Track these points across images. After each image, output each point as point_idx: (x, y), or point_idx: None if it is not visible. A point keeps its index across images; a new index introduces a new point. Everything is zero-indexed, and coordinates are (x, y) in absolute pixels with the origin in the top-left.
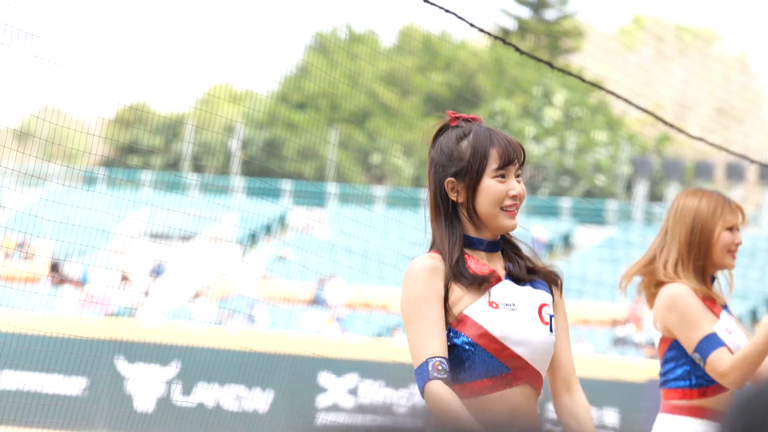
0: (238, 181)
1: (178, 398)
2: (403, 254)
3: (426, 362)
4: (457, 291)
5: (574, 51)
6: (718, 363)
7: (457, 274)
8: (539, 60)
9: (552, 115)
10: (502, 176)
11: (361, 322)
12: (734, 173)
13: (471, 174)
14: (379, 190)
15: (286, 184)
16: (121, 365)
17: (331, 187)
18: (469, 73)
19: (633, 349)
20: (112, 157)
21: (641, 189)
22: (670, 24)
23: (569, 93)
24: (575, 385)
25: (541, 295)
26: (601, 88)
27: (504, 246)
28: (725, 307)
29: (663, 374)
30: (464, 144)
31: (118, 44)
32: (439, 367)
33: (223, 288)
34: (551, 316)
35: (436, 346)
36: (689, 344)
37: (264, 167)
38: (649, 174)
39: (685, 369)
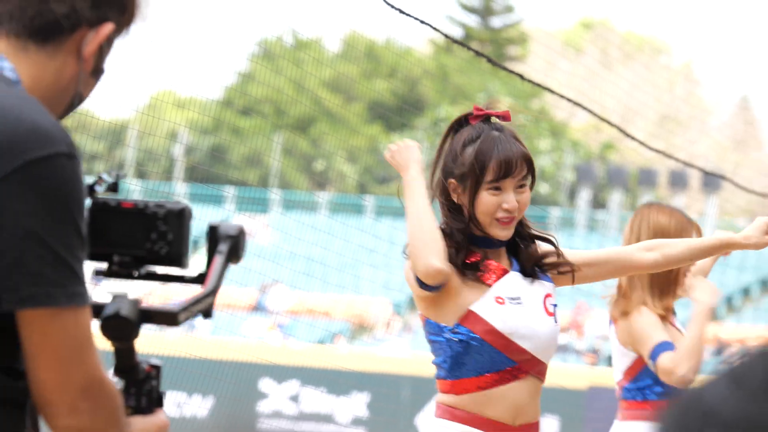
0: (181, 187)
1: None
2: (346, 261)
3: None
4: (455, 279)
5: (519, 58)
6: (664, 363)
7: (454, 265)
8: (511, 72)
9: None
10: (497, 188)
11: (304, 329)
12: (678, 181)
13: (468, 182)
14: (323, 196)
15: (230, 190)
16: None
17: (275, 193)
18: (413, 80)
19: (574, 356)
20: None
21: (585, 196)
22: (615, 31)
23: (513, 100)
24: (650, 244)
25: (545, 286)
26: (549, 89)
27: (515, 239)
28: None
29: (630, 389)
30: (469, 150)
31: None
32: None
33: (164, 294)
34: (555, 306)
35: None
36: (646, 354)
37: (208, 173)
38: (593, 181)
39: (650, 381)
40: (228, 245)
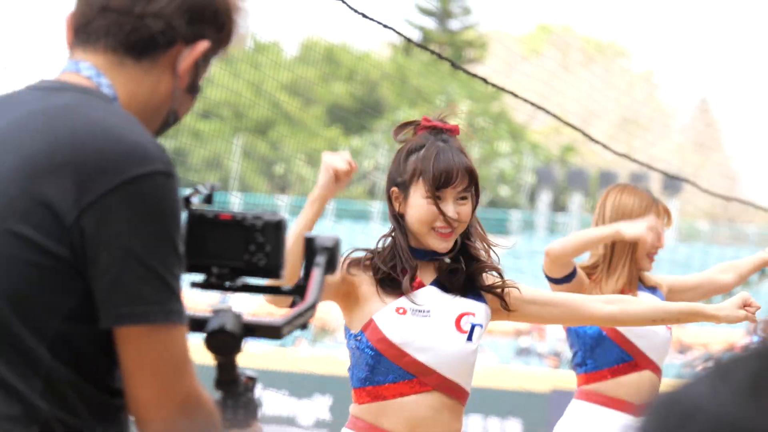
0: None
1: None
2: None
3: None
4: (367, 286)
5: (478, 61)
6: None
7: (374, 273)
8: (473, 75)
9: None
10: (438, 198)
11: None
12: (638, 183)
13: (408, 190)
14: (284, 200)
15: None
16: None
17: (235, 197)
18: (371, 83)
19: (536, 359)
20: None
21: (545, 199)
22: (575, 35)
23: (472, 103)
24: (613, 297)
25: (466, 305)
26: (509, 91)
27: (458, 255)
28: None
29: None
30: (412, 158)
31: (29, 57)
32: None
33: None
34: (474, 326)
35: None
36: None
37: None
38: (553, 184)
39: (580, 354)
40: (325, 257)
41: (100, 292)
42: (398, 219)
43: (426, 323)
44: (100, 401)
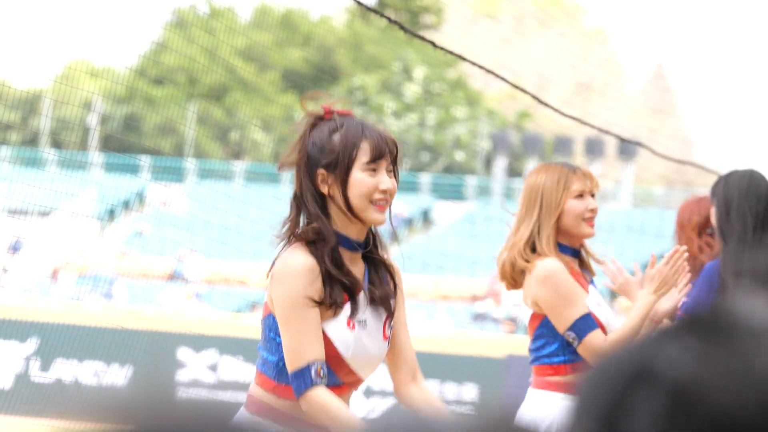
0: (96, 156)
1: (37, 374)
2: (262, 230)
3: (308, 366)
4: (320, 283)
5: (434, 27)
6: (595, 344)
7: (331, 278)
8: (423, 39)
9: (412, 90)
10: (373, 170)
11: (221, 298)
12: (593, 148)
13: (341, 166)
14: (238, 165)
15: (145, 160)
16: None
17: (190, 162)
18: (327, 48)
19: (492, 325)
20: None
21: (500, 164)
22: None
23: (428, 68)
24: (419, 375)
25: (388, 307)
26: (464, 58)
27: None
28: (592, 281)
29: (534, 350)
30: (336, 136)
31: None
32: (321, 373)
33: (82, 264)
34: (391, 328)
35: (318, 351)
36: (562, 323)
37: (123, 142)
38: (509, 149)
39: (557, 345)
40: None
41: None
42: (324, 201)
43: (365, 336)
44: None
